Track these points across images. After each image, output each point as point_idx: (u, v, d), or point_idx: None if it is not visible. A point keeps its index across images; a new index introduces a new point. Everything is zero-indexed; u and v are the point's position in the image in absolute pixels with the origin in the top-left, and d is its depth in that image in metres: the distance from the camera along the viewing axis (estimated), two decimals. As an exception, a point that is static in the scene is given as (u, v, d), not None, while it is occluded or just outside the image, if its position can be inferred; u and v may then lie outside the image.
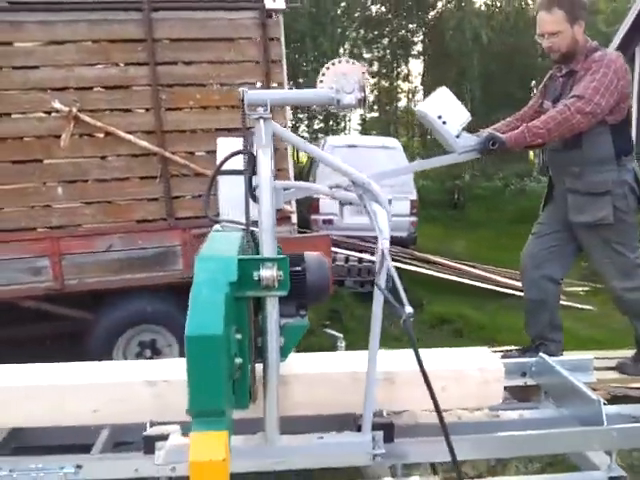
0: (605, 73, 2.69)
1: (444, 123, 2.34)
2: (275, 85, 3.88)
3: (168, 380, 1.93)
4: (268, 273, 1.60)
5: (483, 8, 16.89)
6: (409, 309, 1.42)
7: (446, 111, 2.33)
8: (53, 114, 3.61)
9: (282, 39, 3.89)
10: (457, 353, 2.24)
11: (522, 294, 3.28)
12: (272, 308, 1.66)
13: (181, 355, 3.87)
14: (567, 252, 3.05)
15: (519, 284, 4.84)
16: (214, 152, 3.84)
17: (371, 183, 1.88)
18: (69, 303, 3.94)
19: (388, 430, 1.86)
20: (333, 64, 1.95)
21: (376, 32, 21.13)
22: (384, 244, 1.66)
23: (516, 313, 4.44)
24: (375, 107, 24.54)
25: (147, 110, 3.75)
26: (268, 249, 1.71)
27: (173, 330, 3.93)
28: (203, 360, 1.47)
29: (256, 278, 1.59)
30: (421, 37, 22.25)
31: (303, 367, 2.00)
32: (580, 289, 7.21)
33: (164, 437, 1.77)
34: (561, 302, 3.32)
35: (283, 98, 1.82)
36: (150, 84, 3.71)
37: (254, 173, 2.25)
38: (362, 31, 21.27)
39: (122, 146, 3.73)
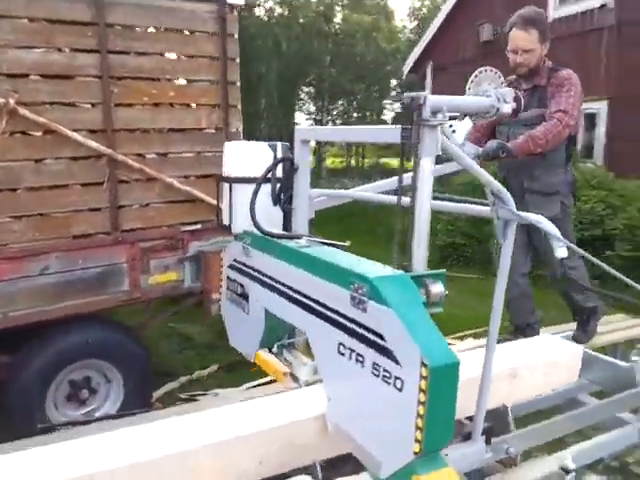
0: (575, 90, 3.12)
1: (454, 132, 2.51)
2: (234, 83, 3.62)
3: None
4: (437, 289, 1.58)
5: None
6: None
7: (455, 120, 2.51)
8: (-23, 104, 2.84)
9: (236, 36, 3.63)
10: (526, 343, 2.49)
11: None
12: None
13: (126, 390, 3.39)
14: (527, 246, 3.46)
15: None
16: (165, 155, 3.45)
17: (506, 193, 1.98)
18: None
19: (489, 433, 1.97)
20: (480, 72, 1.98)
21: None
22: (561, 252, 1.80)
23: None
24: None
25: (93, 105, 3.17)
26: (423, 263, 1.63)
27: (118, 363, 3.39)
28: (446, 392, 1.42)
29: (424, 295, 1.54)
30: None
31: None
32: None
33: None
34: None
35: (455, 105, 1.77)
36: (100, 75, 3.15)
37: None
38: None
39: (63, 147, 3.09)
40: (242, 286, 2.31)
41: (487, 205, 2.06)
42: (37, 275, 3.08)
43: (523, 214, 2.05)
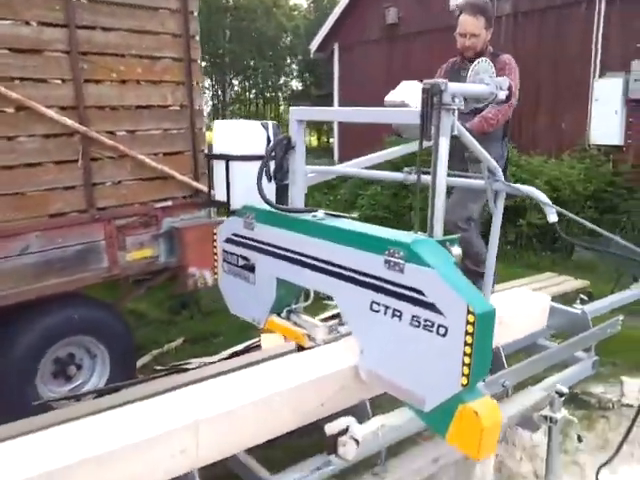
0: (515, 73, 3.52)
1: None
2: (196, 61, 3.68)
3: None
4: (457, 251, 1.87)
5: None
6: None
7: (413, 100, 2.81)
8: (-54, 80, 2.72)
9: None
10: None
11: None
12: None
13: (112, 364, 3.44)
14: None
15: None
16: (134, 132, 3.47)
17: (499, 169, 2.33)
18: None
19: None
20: (478, 62, 2.26)
21: None
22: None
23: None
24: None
25: (63, 81, 3.12)
26: (440, 230, 1.88)
27: (103, 338, 3.42)
28: (487, 333, 1.65)
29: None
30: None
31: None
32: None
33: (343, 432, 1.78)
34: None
35: (464, 92, 2.02)
36: (68, 50, 3.10)
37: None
38: None
39: (37, 124, 3.03)
40: (245, 258, 2.42)
41: (482, 179, 2.39)
42: (17, 255, 3.03)
43: (515, 185, 2.40)
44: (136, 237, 3.50)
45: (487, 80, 2.18)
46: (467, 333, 1.58)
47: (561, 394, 2.41)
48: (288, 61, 20.99)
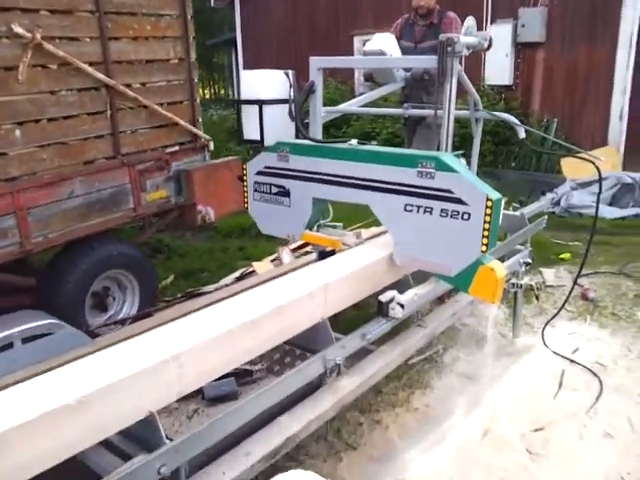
0: (459, 28, 4.34)
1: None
2: (189, 17, 4.08)
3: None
4: (464, 162, 2.72)
5: None
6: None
7: (389, 49, 3.59)
8: (3, 40, 2.98)
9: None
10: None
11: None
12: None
13: (141, 294, 3.93)
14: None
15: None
16: (144, 84, 3.87)
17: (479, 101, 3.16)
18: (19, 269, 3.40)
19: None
20: (468, 21, 3.03)
21: None
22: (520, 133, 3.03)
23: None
24: None
25: (91, 39, 3.44)
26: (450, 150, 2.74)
27: (135, 272, 3.88)
28: (497, 214, 2.43)
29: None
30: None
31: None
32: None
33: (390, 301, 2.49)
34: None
35: (465, 43, 2.77)
36: (94, 10, 3.41)
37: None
38: None
39: (74, 79, 3.36)
40: (280, 186, 2.95)
41: (467, 110, 3.18)
42: (66, 199, 3.40)
43: (493, 112, 3.23)
44: (153, 180, 3.95)
45: (475, 33, 2.96)
46: (486, 214, 2.30)
47: (527, 264, 3.36)
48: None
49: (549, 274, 4.97)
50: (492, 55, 8.58)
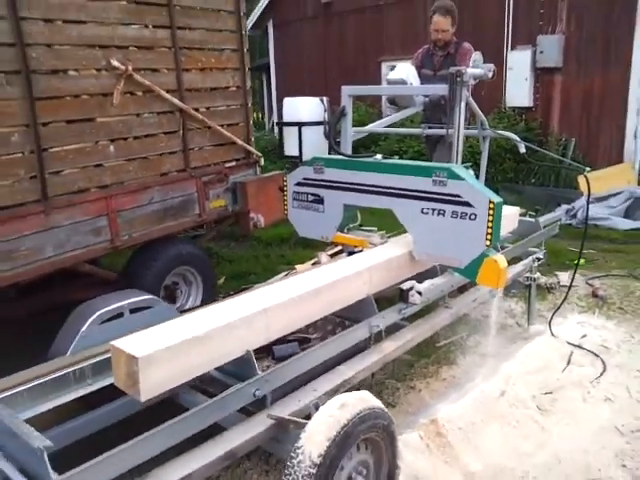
0: (471, 57, 4.92)
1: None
2: (245, 51, 4.75)
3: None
4: (471, 172, 3.26)
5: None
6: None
7: (409, 77, 4.16)
8: (103, 72, 3.66)
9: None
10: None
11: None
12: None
13: (204, 289, 4.53)
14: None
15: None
16: (208, 108, 4.52)
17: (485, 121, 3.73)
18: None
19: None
20: (476, 54, 3.62)
21: None
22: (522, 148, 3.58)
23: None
24: None
25: (168, 70, 4.12)
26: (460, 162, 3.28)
27: (199, 269, 4.50)
28: (499, 215, 2.95)
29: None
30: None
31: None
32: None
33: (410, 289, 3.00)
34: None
35: (471, 73, 3.33)
36: (171, 46, 4.09)
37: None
38: None
39: (154, 104, 4.03)
40: (315, 195, 3.43)
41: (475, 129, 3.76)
42: (147, 204, 4.04)
43: (498, 131, 3.80)
44: (215, 190, 4.59)
45: (481, 65, 3.54)
46: (489, 214, 2.76)
47: (539, 259, 3.89)
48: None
49: (564, 276, 5.46)
50: (513, 79, 9.18)
